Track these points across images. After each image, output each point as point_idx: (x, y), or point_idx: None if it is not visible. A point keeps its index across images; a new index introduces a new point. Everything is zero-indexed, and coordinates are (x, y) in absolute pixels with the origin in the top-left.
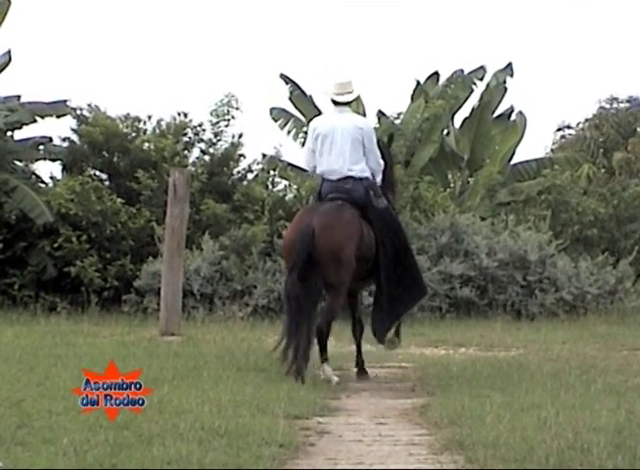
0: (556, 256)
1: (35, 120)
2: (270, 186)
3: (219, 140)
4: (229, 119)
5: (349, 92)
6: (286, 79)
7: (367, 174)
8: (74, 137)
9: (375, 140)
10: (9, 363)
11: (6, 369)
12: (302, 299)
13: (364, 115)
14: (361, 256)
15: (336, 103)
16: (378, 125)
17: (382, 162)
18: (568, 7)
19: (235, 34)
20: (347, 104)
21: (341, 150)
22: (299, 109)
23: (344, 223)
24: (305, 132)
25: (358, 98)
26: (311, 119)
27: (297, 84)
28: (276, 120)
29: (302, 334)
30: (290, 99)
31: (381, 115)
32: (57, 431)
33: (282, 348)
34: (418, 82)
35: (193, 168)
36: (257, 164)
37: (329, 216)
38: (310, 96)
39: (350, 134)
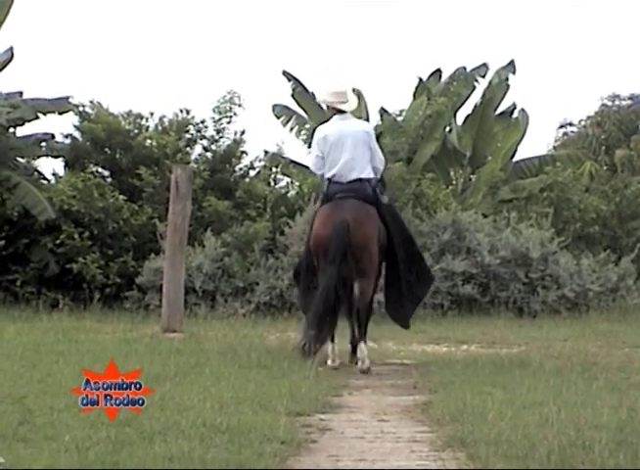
0: (558, 253)
1: (37, 117)
2: (272, 183)
3: (221, 137)
4: (231, 116)
5: (345, 101)
6: (288, 76)
7: (372, 175)
8: (77, 134)
9: (376, 141)
10: (11, 360)
11: (8, 366)
12: (340, 290)
13: (366, 112)
14: (380, 247)
15: (337, 111)
16: (380, 122)
17: (383, 160)
18: (569, 5)
19: (237, 32)
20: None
21: (352, 155)
22: (302, 106)
23: (371, 218)
24: (307, 129)
25: (358, 106)
26: (319, 124)
27: (299, 81)
28: (278, 117)
29: (331, 324)
30: (292, 96)
31: (383, 112)
32: (59, 428)
33: (308, 337)
34: (420, 79)
35: (195, 165)
36: (260, 160)
37: (358, 212)
38: (312, 93)
39: (359, 139)
